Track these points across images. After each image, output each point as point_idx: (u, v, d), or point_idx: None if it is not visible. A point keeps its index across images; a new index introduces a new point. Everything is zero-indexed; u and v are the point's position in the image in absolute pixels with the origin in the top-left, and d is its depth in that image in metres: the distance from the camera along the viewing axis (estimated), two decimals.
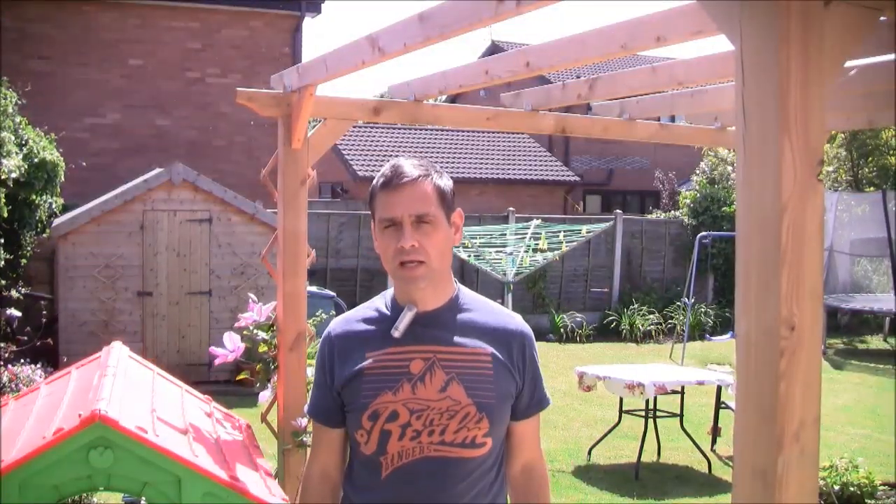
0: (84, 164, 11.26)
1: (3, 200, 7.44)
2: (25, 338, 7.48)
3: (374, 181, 1.95)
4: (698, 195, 16.07)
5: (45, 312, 8.25)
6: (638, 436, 6.93)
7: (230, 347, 3.87)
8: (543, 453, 2.13)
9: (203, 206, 9.38)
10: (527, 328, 2.04)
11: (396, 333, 1.90)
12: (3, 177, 7.11)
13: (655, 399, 6.80)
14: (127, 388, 3.08)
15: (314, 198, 18.07)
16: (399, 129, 21.54)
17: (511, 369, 1.95)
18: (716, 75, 3.50)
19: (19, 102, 8.38)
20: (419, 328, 1.92)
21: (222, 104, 14.27)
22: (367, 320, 2.00)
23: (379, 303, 2.02)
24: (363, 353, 1.93)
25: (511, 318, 2.04)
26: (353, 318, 2.03)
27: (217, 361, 3.90)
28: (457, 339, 1.93)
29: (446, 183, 1.95)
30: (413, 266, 1.87)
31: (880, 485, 5.85)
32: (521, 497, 2.05)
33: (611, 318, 14.37)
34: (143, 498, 2.78)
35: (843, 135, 15.32)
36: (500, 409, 1.93)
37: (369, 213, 1.99)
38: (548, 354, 12.20)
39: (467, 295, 2.03)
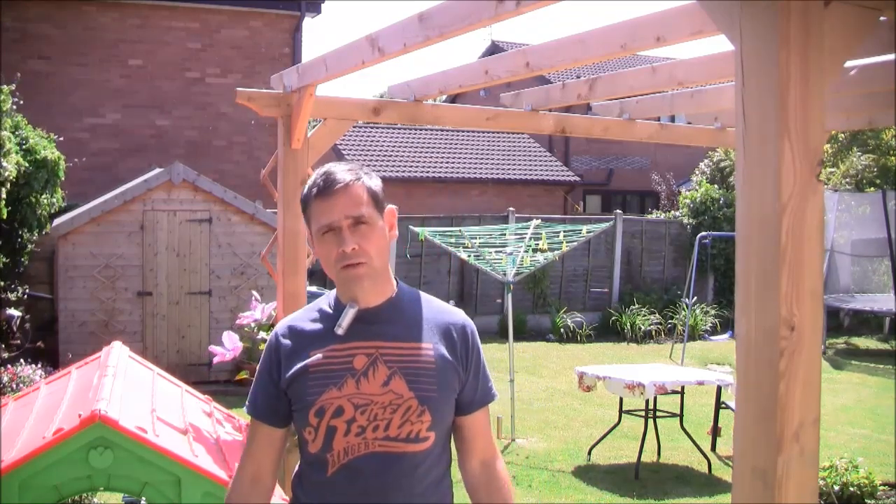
0: (84, 158, 11.22)
1: (3, 201, 7.44)
2: (19, 341, 7.48)
3: (306, 190, 1.99)
4: (698, 196, 16.07)
5: (23, 318, 8.23)
6: (638, 436, 6.93)
7: (229, 347, 3.87)
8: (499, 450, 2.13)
9: (203, 206, 9.38)
10: (469, 322, 2.07)
11: (339, 330, 1.94)
12: (2, 177, 7.11)
13: (655, 399, 6.79)
14: (127, 388, 3.08)
15: None
16: (399, 129, 21.53)
17: (454, 362, 1.98)
18: (716, 75, 3.50)
19: (16, 101, 8.37)
20: (361, 325, 1.96)
21: (222, 104, 14.27)
22: (311, 320, 2.04)
23: (323, 303, 2.06)
24: (308, 352, 1.96)
25: (452, 313, 2.07)
26: (297, 318, 2.07)
27: (216, 360, 3.91)
28: (398, 334, 1.97)
29: (376, 183, 2.00)
30: (356, 266, 1.92)
31: (880, 485, 5.85)
32: (485, 497, 2.03)
33: (611, 318, 14.37)
34: (143, 498, 2.78)
35: (843, 135, 15.32)
36: (441, 402, 1.95)
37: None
38: (548, 354, 12.19)
39: (408, 292, 2.07)
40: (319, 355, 1.94)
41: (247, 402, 2.08)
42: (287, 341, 2.01)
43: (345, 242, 1.90)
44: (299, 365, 1.95)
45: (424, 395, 1.91)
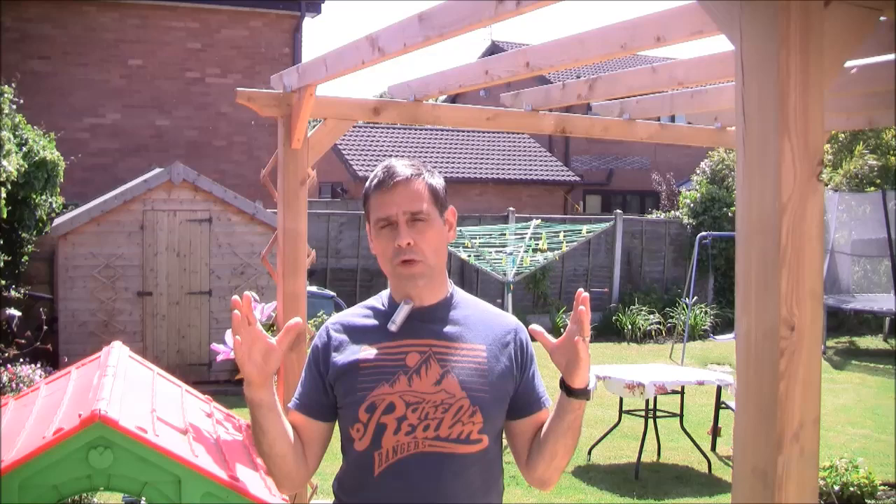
0: (80, 155, 11.21)
1: (3, 201, 7.45)
2: (25, 340, 7.49)
3: (367, 183, 1.98)
4: (698, 196, 16.06)
5: (40, 313, 8.25)
6: (638, 436, 6.93)
7: (231, 345, 3.87)
8: None
9: (203, 206, 9.38)
10: (521, 326, 2.05)
11: (393, 327, 1.92)
12: (2, 178, 7.12)
13: (655, 399, 6.80)
14: (127, 388, 3.07)
15: (314, 198, 18.07)
16: (399, 129, 21.54)
17: (509, 366, 1.96)
18: (716, 75, 3.50)
19: (15, 101, 8.38)
20: (415, 323, 1.93)
21: (222, 104, 14.27)
22: (363, 316, 2.01)
23: (375, 302, 2.04)
24: (359, 347, 1.94)
25: (506, 317, 2.06)
26: (348, 315, 2.05)
27: (219, 358, 3.91)
28: (452, 334, 1.94)
29: (438, 182, 1.98)
30: (411, 264, 1.90)
31: (880, 485, 5.85)
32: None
33: (611, 318, 14.36)
34: (143, 498, 2.78)
35: (843, 135, 15.31)
36: (493, 404, 1.92)
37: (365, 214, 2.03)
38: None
39: (463, 295, 2.05)
40: (372, 350, 1.91)
41: (292, 401, 2.03)
42: (338, 335, 1.98)
43: (400, 237, 1.88)
44: (350, 359, 1.92)
45: (476, 395, 1.89)
